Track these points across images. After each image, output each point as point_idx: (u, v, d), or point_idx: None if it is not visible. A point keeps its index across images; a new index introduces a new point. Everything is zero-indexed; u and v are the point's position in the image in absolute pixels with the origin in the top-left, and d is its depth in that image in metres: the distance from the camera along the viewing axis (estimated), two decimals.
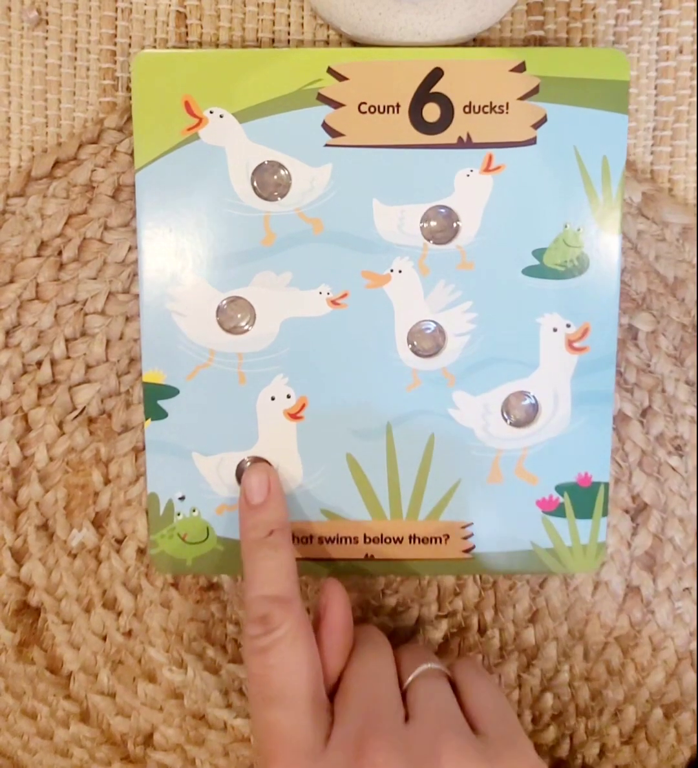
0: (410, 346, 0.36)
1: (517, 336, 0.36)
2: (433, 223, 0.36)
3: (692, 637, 0.39)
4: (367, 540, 0.38)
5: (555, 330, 0.36)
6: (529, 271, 0.36)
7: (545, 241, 0.36)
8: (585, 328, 0.36)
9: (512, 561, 0.38)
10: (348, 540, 0.38)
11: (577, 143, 0.36)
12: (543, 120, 0.35)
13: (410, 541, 0.38)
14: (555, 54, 0.35)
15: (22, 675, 0.39)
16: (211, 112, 0.35)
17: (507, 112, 0.35)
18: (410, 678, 0.33)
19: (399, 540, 0.38)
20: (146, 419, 0.37)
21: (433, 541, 0.38)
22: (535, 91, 0.35)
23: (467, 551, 0.38)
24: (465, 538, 0.38)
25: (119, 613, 0.39)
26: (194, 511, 0.37)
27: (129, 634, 0.39)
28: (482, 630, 0.39)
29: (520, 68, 0.35)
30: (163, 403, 0.36)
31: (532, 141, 0.36)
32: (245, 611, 0.33)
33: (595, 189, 0.36)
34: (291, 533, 0.36)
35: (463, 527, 0.38)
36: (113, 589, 0.39)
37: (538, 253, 0.36)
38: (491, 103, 0.35)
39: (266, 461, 0.37)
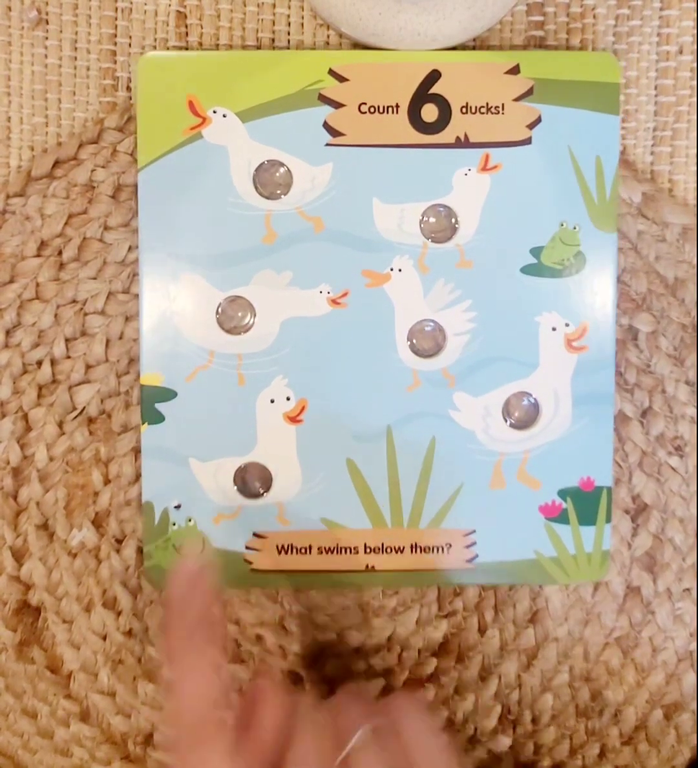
0: (410, 345, 0.36)
1: (517, 335, 0.36)
2: (432, 222, 0.36)
3: (692, 637, 0.39)
4: (368, 550, 0.37)
5: (554, 329, 0.36)
6: (527, 270, 0.36)
7: (542, 240, 0.36)
8: (583, 327, 0.36)
9: (515, 571, 0.37)
10: (348, 550, 0.37)
11: (571, 143, 0.36)
12: (538, 120, 0.36)
13: (412, 551, 0.37)
14: (548, 57, 0.36)
15: (23, 674, 0.39)
16: (214, 112, 0.35)
17: (502, 113, 0.36)
18: (343, 753, 0.31)
19: (400, 549, 0.37)
20: (143, 424, 0.36)
21: (435, 550, 0.37)
22: (529, 92, 0.36)
23: (470, 560, 0.37)
24: (468, 546, 0.37)
25: (119, 613, 0.39)
26: (190, 520, 0.37)
27: (129, 633, 0.39)
28: (482, 630, 0.39)
29: (515, 70, 0.36)
30: (161, 407, 0.36)
31: (527, 141, 0.36)
32: (168, 715, 0.31)
33: (590, 188, 0.36)
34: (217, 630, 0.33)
35: (466, 535, 0.37)
36: (113, 588, 0.39)
37: (536, 252, 0.36)
38: (487, 103, 0.36)
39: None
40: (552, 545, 0.37)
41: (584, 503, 0.37)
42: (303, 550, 0.37)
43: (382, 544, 0.37)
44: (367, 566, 0.37)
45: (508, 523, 0.37)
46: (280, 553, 0.37)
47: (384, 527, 0.37)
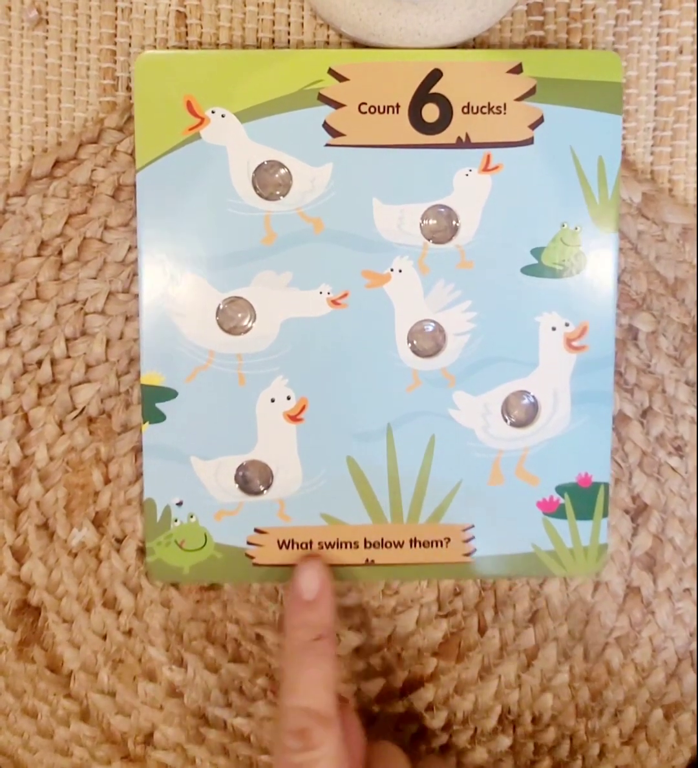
0: (410, 345, 0.36)
1: (516, 335, 0.36)
2: (433, 222, 0.36)
3: (692, 637, 0.39)
4: (367, 544, 0.37)
5: (554, 329, 0.36)
6: (528, 270, 0.36)
7: (543, 240, 0.36)
8: (583, 326, 0.36)
9: (513, 564, 0.38)
10: (348, 545, 0.37)
11: (573, 143, 0.36)
12: (540, 120, 0.36)
13: (411, 545, 0.37)
14: (551, 56, 0.36)
15: (23, 674, 0.39)
16: (212, 112, 0.35)
17: (504, 113, 0.36)
18: None
19: (399, 544, 0.37)
20: (144, 423, 0.37)
21: (434, 544, 0.38)
22: (532, 92, 0.36)
23: (468, 554, 0.38)
24: (466, 541, 0.37)
25: (119, 613, 0.39)
26: (192, 517, 0.37)
27: (129, 633, 0.39)
28: (482, 630, 0.39)
29: (517, 70, 0.35)
30: (161, 406, 0.36)
31: (529, 141, 0.36)
32: (282, 717, 0.31)
33: (592, 188, 0.36)
34: (336, 641, 0.34)
35: (464, 530, 0.37)
36: (113, 588, 0.39)
37: (537, 252, 0.36)
38: (489, 103, 0.35)
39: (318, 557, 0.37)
40: (549, 539, 0.38)
41: (581, 499, 0.37)
42: (304, 545, 0.37)
43: (382, 539, 0.37)
44: (367, 560, 0.38)
45: (506, 518, 0.37)
46: (281, 547, 0.37)
47: (383, 523, 0.37)
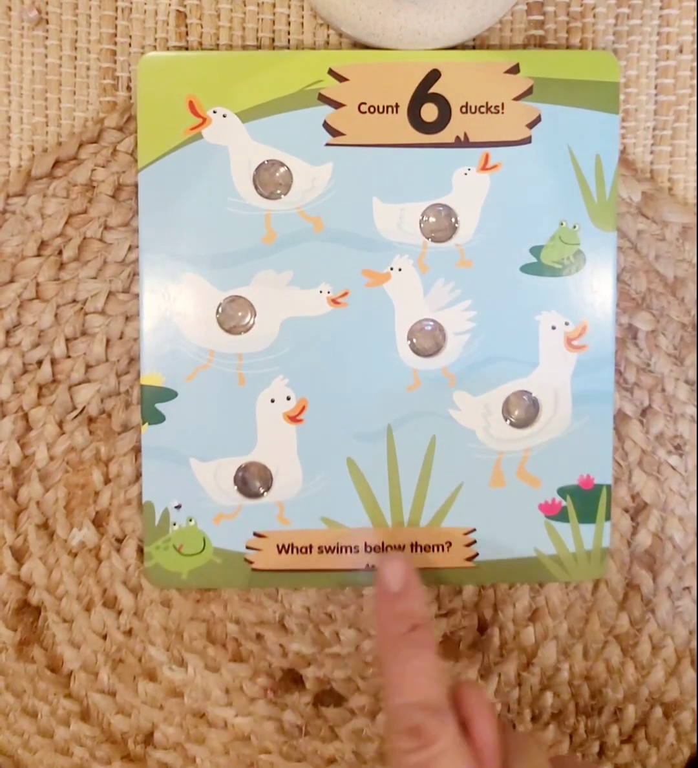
0: (410, 344, 0.36)
1: (517, 334, 0.37)
2: (432, 221, 0.36)
3: (692, 635, 0.39)
4: (368, 549, 0.37)
5: (553, 328, 0.36)
6: (527, 269, 0.36)
7: (542, 239, 0.36)
8: (583, 325, 0.36)
9: (516, 569, 0.38)
10: (348, 549, 0.37)
11: (571, 142, 0.36)
12: (538, 120, 0.36)
13: (412, 550, 0.37)
14: (548, 56, 0.36)
15: (23, 674, 0.39)
16: (214, 112, 0.36)
17: (502, 112, 0.36)
18: None
19: (400, 548, 0.37)
20: (143, 424, 0.36)
21: (436, 548, 0.37)
22: (529, 91, 0.36)
23: (470, 559, 0.38)
24: (468, 545, 0.37)
25: (119, 612, 0.39)
26: (190, 520, 0.37)
27: (129, 632, 0.39)
28: (482, 629, 0.39)
29: (514, 70, 0.36)
30: (161, 407, 0.36)
31: (527, 140, 0.36)
32: (391, 719, 0.29)
33: (589, 187, 0.36)
34: (433, 630, 0.32)
35: (466, 534, 0.37)
36: (113, 587, 0.39)
37: (536, 251, 0.36)
38: (487, 103, 0.36)
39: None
40: (552, 543, 0.37)
41: (584, 501, 0.37)
42: (303, 550, 0.37)
43: (383, 543, 0.37)
44: (368, 565, 0.37)
45: (508, 521, 0.37)
46: (280, 552, 0.37)
47: (384, 526, 0.37)
